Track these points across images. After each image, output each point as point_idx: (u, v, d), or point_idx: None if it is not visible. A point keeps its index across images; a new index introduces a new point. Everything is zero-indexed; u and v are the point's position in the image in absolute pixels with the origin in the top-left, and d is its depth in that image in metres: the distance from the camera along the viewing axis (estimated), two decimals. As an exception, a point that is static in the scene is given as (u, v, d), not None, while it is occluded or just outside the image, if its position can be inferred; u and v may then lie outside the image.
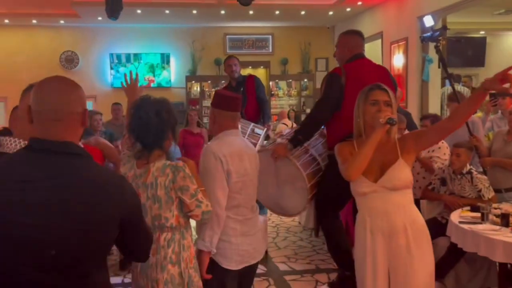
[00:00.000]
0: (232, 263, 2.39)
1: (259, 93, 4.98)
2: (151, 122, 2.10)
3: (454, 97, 4.24)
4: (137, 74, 2.57)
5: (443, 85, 7.49)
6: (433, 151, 4.21)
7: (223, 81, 8.45)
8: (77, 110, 1.43)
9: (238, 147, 2.43)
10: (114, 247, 1.59)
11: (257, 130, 4.00)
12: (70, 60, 10.06)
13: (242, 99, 4.91)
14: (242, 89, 5.01)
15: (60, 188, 1.33)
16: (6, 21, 9.28)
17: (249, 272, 2.55)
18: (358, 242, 2.36)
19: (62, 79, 1.47)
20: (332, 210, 3.27)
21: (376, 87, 2.35)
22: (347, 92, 3.14)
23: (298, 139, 3.24)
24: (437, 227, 3.62)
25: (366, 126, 2.32)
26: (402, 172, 2.29)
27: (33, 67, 9.78)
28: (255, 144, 3.83)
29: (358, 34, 3.48)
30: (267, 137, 4.73)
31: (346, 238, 3.34)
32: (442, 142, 4.22)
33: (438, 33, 3.83)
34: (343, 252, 3.25)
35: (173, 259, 2.12)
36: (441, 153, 4.22)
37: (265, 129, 4.23)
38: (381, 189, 2.27)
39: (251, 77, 5.16)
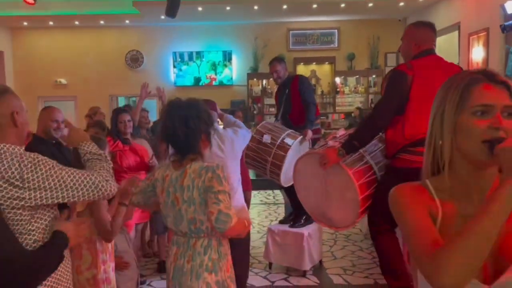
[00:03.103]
0: None
1: (303, 94, 4.40)
2: (177, 132, 2.06)
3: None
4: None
5: (531, 80, 6.66)
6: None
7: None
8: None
9: None
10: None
11: (287, 140, 3.58)
12: (135, 59, 10.24)
13: (286, 105, 4.55)
14: (287, 91, 4.60)
15: None
16: (76, 22, 9.61)
17: None
18: None
19: None
20: (388, 227, 2.83)
21: (486, 77, 1.12)
22: (413, 93, 2.68)
23: (353, 144, 2.82)
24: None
25: (456, 158, 1.13)
26: None
27: (101, 67, 10.10)
28: (283, 157, 3.42)
29: (430, 26, 2.98)
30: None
31: (403, 260, 2.88)
32: None
33: (521, 21, 3.23)
34: (399, 277, 2.80)
35: (210, 267, 2.04)
36: None
37: (300, 137, 3.81)
38: None
39: (296, 78, 4.66)
